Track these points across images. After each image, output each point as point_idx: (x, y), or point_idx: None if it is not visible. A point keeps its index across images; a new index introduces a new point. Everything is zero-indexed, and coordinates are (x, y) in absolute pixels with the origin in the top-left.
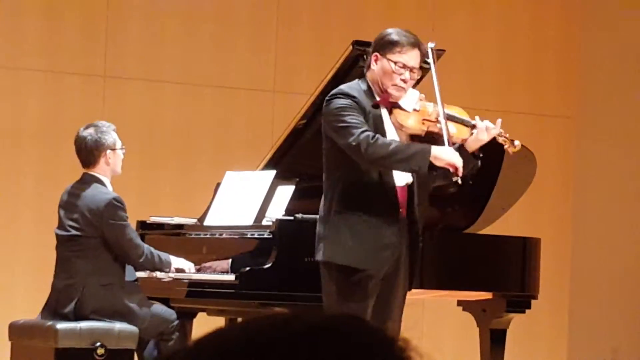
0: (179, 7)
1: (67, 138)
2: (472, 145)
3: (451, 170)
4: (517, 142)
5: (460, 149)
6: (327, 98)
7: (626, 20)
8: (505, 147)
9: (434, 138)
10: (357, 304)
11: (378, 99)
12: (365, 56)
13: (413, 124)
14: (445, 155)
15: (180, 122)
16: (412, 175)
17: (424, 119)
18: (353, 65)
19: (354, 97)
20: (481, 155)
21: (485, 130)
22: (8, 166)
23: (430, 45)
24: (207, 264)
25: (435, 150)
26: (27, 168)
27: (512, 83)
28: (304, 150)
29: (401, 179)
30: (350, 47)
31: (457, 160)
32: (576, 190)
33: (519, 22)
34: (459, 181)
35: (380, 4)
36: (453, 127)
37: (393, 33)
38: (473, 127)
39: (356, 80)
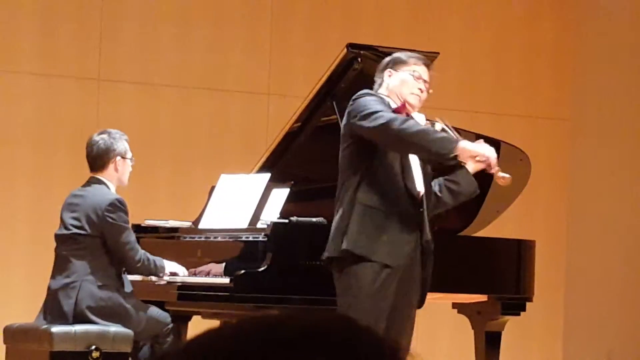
0: (173, 10)
1: (62, 141)
2: (474, 167)
3: (484, 166)
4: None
5: (466, 171)
6: (353, 98)
7: (619, 22)
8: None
9: None
10: (382, 300)
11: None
12: (359, 58)
13: None
14: (477, 148)
15: (174, 125)
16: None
17: None
18: (347, 68)
19: (380, 96)
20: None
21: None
22: (2, 169)
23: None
24: (204, 267)
25: (464, 143)
26: (21, 171)
27: (507, 85)
28: (298, 153)
29: (420, 185)
30: (345, 50)
31: (490, 153)
32: (571, 192)
33: (513, 24)
34: (498, 174)
35: (375, 7)
36: None
37: (403, 53)
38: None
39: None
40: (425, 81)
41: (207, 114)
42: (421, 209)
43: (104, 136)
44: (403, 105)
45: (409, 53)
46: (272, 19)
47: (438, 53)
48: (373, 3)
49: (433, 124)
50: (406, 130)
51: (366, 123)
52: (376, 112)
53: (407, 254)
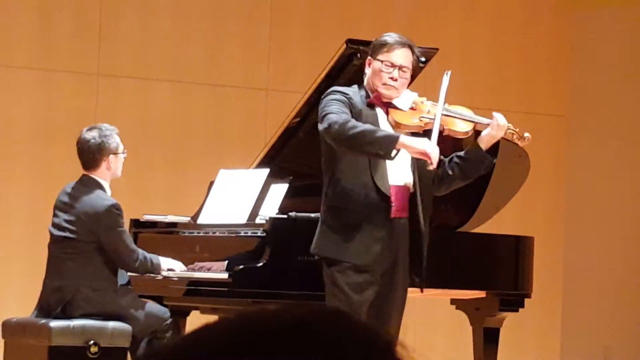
0: (172, 5)
1: (60, 136)
2: (487, 142)
3: (426, 159)
4: (527, 134)
5: (476, 147)
6: (322, 97)
7: (617, 19)
8: (514, 139)
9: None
10: (352, 297)
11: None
12: (358, 54)
13: (410, 122)
14: (416, 145)
15: (173, 120)
16: (414, 177)
17: (421, 117)
18: (347, 64)
19: (347, 94)
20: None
21: (498, 127)
22: (0, 164)
23: (447, 73)
24: (205, 264)
25: (404, 138)
26: (19, 166)
27: (504, 81)
28: (297, 148)
29: (400, 178)
30: (344, 46)
31: (429, 149)
32: (569, 188)
33: (511, 20)
34: (434, 168)
35: (374, 3)
36: (461, 124)
37: (384, 36)
38: (477, 124)
39: (355, 86)
40: (401, 67)
41: (206, 109)
42: (392, 204)
43: (94, 134)
44: (376, 97)
45: (388, 36)
46: (271, 15)
47: (437, 49)
48: (372, 0)
49: (416, 107)
50: (343, 136)
51: (319, 126)
52: (326, 114)
53: (376, 252)
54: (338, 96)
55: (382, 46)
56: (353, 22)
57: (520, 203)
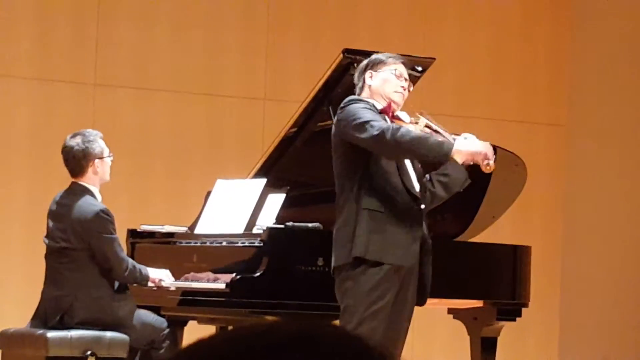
0: (170, 15)
1: (58, 146)
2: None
3: (482, 160)
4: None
5: (455, 162)
6: (341, 106)
7: (615, 28)
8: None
9: None
10: (382, 300)
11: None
12: (355, 64)
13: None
14: (471, 147)
15: (170, 130)
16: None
17: (422, 129)
18: (344, 73)
19: (367, 102)
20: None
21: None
22: None
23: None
24: (212, 275)
25: (458, 144)
26: (17, 176)
27: (503, 91)
28: (294, 158)
29: (416, 186)
30: (341, 55)
31: (487, 148)
32: (566, 198)
33: (510, 29)
34: (493, 166)
35: (371, 12)
36: None
37: (380, 54)
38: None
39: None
40: (405, 79)
41: (204, 119)
42: (422, 207)
43: (78, 140)
44: (389, 105)
45: (386, 53)
46: (268, 24)
47: (434, 59)
48: (369, 8)
49: (416, 121)
50: (400, 140)
51: (358, 134)
52: (367, 121)
53: (416, 252)
54: (364, 104)
55: (385, 59)
56: (350, 32)
57: (517, 212)
